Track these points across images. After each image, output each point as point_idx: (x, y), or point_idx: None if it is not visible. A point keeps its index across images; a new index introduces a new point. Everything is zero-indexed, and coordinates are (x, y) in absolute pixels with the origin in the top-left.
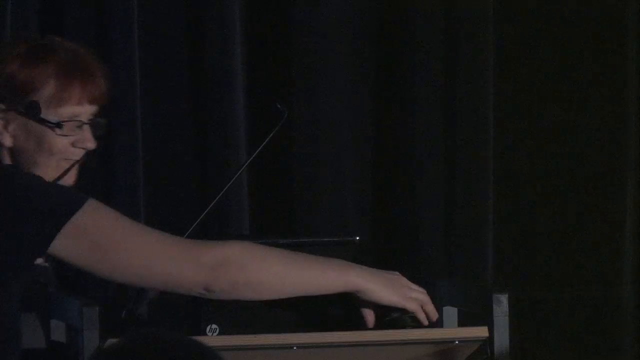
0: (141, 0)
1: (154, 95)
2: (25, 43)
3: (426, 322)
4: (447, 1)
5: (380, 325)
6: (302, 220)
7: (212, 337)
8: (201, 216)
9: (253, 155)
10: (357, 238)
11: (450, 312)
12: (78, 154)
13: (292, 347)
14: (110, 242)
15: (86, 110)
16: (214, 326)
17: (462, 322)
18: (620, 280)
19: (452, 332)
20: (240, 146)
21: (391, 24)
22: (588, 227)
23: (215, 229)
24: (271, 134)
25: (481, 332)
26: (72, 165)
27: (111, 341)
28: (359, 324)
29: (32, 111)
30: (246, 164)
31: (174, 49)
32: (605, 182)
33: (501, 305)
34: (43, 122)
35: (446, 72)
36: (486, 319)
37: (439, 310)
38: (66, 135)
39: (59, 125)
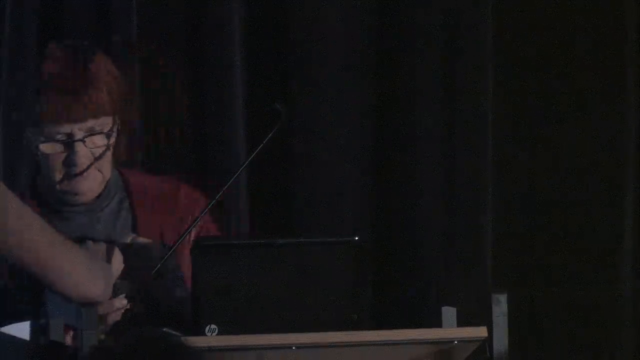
0: None
1: (153, 95)
2: None
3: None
4: (447, 5)
5: None
6: (302, 220)
7: (211, 337)
8: (200, 216)
9: (252, 155)
10: (357, 238)
11: (449, 312)
12: None
13: (291, 347)
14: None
15: None
16: (213, 326)
17: (461, 322)
18: (620, 280)
19: (451, 332)
20: (239, 146)
21: (391, 24)
22: (588, 227)
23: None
24: (270, 134)
25: (480, 332)
26: None
27: (110, 341)
28: (359, 324)
29: None
30: (245, 163)
31: (174, 49)
32: (605, 182)
33: (500, 305)
34: None
35: (446, 72)
36: (485, 319)
37: (438, 310)
38: None
39: None
